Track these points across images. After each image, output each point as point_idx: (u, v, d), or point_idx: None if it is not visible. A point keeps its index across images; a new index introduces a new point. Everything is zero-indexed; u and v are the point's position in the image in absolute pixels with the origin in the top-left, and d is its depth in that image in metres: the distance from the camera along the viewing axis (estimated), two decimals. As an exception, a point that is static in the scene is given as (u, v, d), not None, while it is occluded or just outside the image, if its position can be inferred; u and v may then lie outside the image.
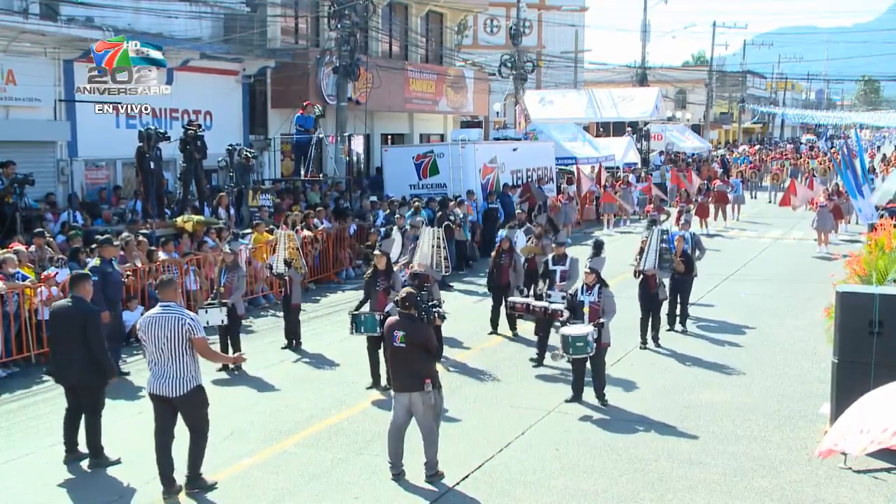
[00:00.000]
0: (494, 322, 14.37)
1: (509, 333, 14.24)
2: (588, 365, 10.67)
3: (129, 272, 13.99)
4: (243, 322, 15.51)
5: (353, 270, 19.81)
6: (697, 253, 15.35)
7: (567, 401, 10.67)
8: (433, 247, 12.47)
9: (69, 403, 8.97)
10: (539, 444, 9.40)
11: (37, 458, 9.21)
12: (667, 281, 13.94)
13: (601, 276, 11.01)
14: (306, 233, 18.22)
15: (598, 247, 12.41)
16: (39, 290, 12.64)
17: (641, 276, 13.30)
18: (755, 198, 37.92)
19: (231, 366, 12.34)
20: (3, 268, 12.51)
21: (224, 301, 12.47)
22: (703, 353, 13.19)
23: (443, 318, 10.04)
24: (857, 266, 11.63)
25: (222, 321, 12.38)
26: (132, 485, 8.39)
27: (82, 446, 8.93)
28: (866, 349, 9.03)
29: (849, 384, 8.91)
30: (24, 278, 12.77)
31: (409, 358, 8.32)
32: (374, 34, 28.59)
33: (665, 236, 13.39)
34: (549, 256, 13.37)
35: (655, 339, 13.39)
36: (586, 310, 10.72)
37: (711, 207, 27.60)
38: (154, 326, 7.88)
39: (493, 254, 14.61)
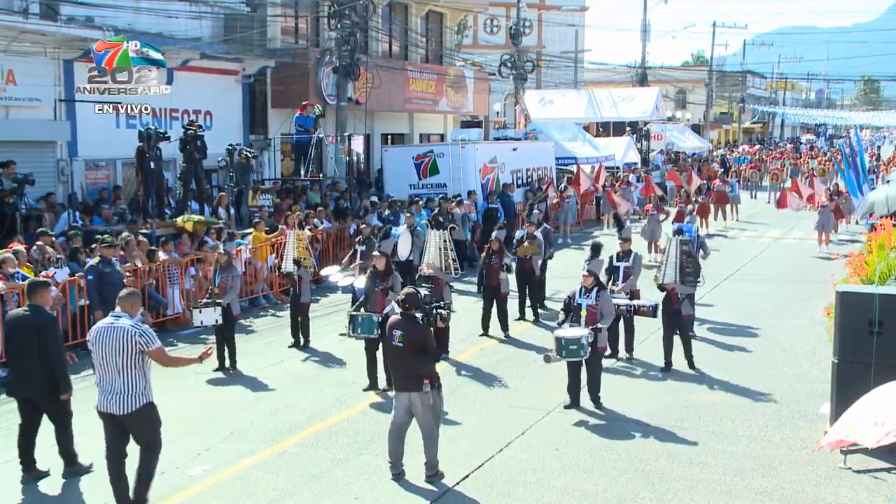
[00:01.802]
0: (485, 324, 14.27)
1: (501, 335, 14.16)
2: (584, 369, 10.47)
3: (128, 272, 14.00)
4: (243, 322, 15.55)
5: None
6: (702, 253, 15.33)
7: (566, 407, 10.52)
8: (440, 249, 12.41)
9: (23, 418, 8.47)
10: (539, 444, 9.40)
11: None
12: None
13: (599, 278, 10.85)
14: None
15: (597, 249, 11.98)
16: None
17: (665, 291, 12.20)
18: (755, 198, 37.91)
19: (227, 364, 12.35)
20: (2, 268, 12.51)
21: (218, 301, 12.41)
22: (704, 353, 13.16)
23: (445, 320, 10.03)
24: (858, 267, 11.63)
25: (217, 321, 12.30)
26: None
27: (41, 464, 8.53)
28: (866, 349, 9.03)
29: (849, 384, 8.92)
30: (24, 278, 12.76)
31: (407, 358, 8.34)
32: (374, 34, 28.59)
33: (686, 247, 12.28)
34: (614, 253, 13.22)
35: (689, 361, 12.12)
36: (584, 313, 10.46)
37: (711, 207, 27.60)
38: (102, 339, 7.34)
39: (482, 255, 14.44)
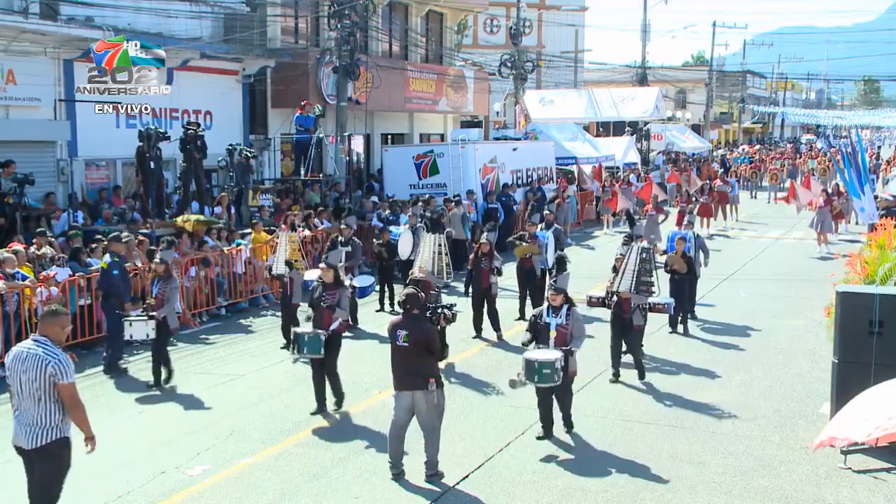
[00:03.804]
0: (478, 326, 14.02)
1: (494, 338, 13.92)
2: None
3: (129, 272, 14.01)
4: (243, 322, 15.55)
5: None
6: (702, 256, 15.29)
7: (538, 438, 9.56)
8: (434, 253, 12.12)
9: None
10: (539, 444, 9.40)
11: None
12: (662, 293, 13.33)
13: (569, 296, 9.77)
14: (306, 233, 18.24)
15: (562, 262, 10.93)
16: (39, 289, 12.66)
17: (615, 299, 11.58)
18: (755, 198, 37.91)
19: (151, 384, 11.63)
20: (2, 267, 12.53)
21: (152, 314, 11.63)
22: (703, 353, 13.19)
23: (448, 320, 9.95)
24: (858, 267, 11.61)
25: (147, 335, 11.58)
26: (128, 486, 8.39)
27: None
28: (866, 349, 9.04)
29: (849, 384, 8.91)
30: (24, 278, 12.79)
31: (412, 357, 8.32)
32: (374, 34, 28.57)
33: (645, 255, 11.60)
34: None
35: (638, 367, 11.69)
36: (553, 334, 9.43)
37: (712, 207, 27.58)
38: (17, 363, 6.58)
39: (471, 257, 14.05)
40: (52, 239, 14.75)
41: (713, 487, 8.28)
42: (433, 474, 8.39)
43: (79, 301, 13.26)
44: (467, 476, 8.55)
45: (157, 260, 12.26)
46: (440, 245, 12.23)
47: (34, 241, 14.14)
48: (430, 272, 11.91)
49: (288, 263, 13.42)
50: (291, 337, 10.50)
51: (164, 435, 9.81)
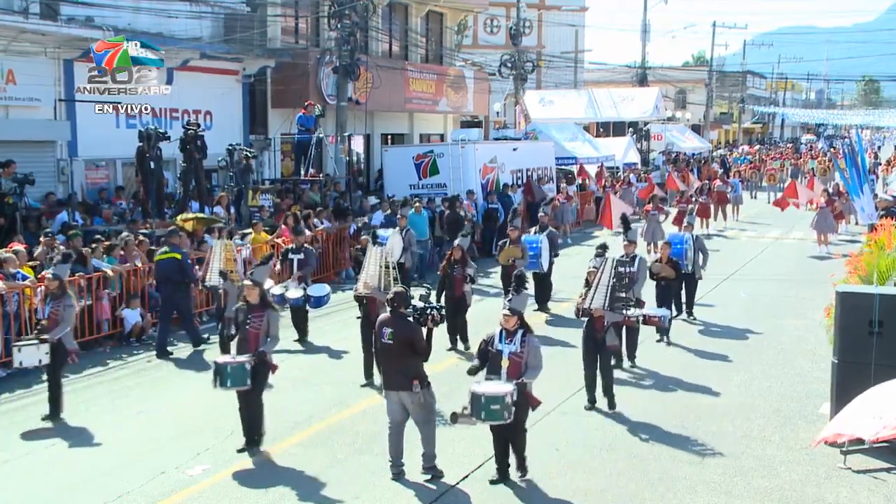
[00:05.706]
0: (452, 337, 13.26)
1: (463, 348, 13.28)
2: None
3: (128, 272, 14.02)
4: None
5: (352, 270, 19.85)
6: (701, 257, 15.23)
7: (491, 482, 8.42)
8: (380, 267, 11.22)
9: None
10: (539, 444, 9.37)
11: (37, 457, 9.22)
12: (663, 295, 13.28)
13: (525, 320, 8.63)
14: (306, 233, 18.21)
15: (521, 282, 9.52)
16: (39, 289, 12.65)
17: (587, 318, 10.50)
18: (755, 198, 37.91)
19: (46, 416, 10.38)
20: (3, 267, 12.52)
21: (43, 337, 10.26)
22: (703, 353, 13.18)
23: (436, 322, 9.87)
24: (857, 266, 11.63)
25: (40, 361, 10.24)
26: (128, 486, 8.39)
27: None
28: (866, 349, 9.05)
29: (849, 384, 8.92)
30: (24, 278, 12.79)
31: (397, 356, 8.37)
32: (374, 34, 28.59)
33: (622, 269, 10.67)
34: (618, 256, 11.97)
35: (607, 393, 10.52)
36: (505, 362, 8.28)
37: (711, 207, 27.57)
38: None
39: (442, 264, 13.38)
40: (56, 242, 14.72)
41: (713, 487, 8.28)
42: (430, 467, 8.43)
43: (79, 301, 13.25)
44: (467, 476, 8.56)
45: (49, 275, 10.68)
46: (385, 258, 11.38)
47: (41, 241, 14.10)
48: (375, 288, 11.16)
49: (223, 274, 12.31)
50: (213, 368, 9.19)
51: (165, 434, 9.80)
